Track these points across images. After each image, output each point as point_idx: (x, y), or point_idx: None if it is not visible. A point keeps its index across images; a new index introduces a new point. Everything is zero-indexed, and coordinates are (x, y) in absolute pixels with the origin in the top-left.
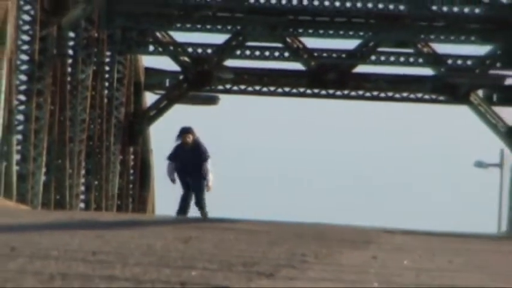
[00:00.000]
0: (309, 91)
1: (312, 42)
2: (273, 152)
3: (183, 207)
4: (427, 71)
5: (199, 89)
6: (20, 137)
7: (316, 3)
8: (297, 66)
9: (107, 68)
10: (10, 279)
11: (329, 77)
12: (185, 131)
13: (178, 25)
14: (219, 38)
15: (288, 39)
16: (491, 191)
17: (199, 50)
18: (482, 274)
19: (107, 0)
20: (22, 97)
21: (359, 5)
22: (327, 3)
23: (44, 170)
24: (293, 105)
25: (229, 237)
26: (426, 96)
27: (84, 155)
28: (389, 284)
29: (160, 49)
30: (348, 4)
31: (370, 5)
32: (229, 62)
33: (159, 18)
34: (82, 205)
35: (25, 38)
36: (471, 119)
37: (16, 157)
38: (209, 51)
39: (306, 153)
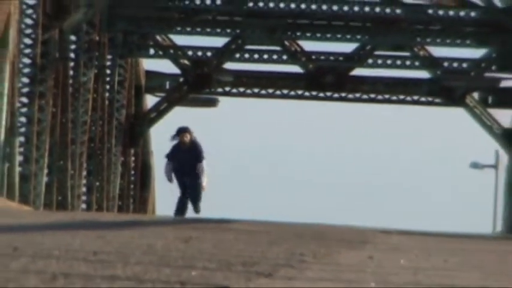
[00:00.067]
0: (307, 93)
1: (309, 45)
2: (271, 154)
3: (181, 208)
4: (424, 74)
5: (199, 92)
6: (22, 138)
7: (314, 7)
8: (295, 69)
9: (108, 71)
10: (13, 279)
11: (327, 80)
12: (182, 131)
13: (179, 29)
14: (218, 41)
15: (286, 43)
16: (487, 192)
17: (199, 53)
18: (478, 273)
19: (108, 5)
20: (24, 99)
21: (356, 8)
22: (324, 7)
23: (46, 171)
24: (291, 107)
25: (229, 238)
26: (423, 99)
27: (85, 157)
28: (386, 283)
29: (160, 52)
30: (346, 8)
31: (367, 9)
32: (229, 65)
33: (159, 22)
34: (84, 206)
35: (27, 41)
36: (467, 121)
37: (19, 158)
38: (209, 54)
39: (304, 155)
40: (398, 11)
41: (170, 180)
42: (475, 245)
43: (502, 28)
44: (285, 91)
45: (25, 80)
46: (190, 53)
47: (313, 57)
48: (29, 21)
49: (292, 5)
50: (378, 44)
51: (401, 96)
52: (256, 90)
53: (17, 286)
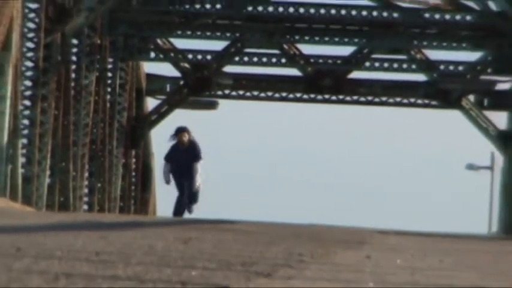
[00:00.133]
0: (305, 96)
1: (308, 49)
2: (270, 155)
3: (179, 210)
4: (420, 77)
5: (199, 94)
6: (25, 140)
7: (312, 11)
8: (294, 72)
9: (110, 74)
10: (16, 279)
11: (325, 83)
12: (181, 130)
13: (179, 32)
14: (218, 45)
15: (285, 46)
16: (482, 193)
17: (199, 57)
18: (473, 273)
19: (109, 9)
20: (27, 102)
21: (354, 12)
22: (322, 11)
23: (48, 172)
24: (290, 109)
25: (228, 238)
26: (419, 101)
27: (87, 158)
28: (384, 283)
29: (161, 56)
30: (343, 12)
31: (364, 13)
32: (228, 68)
33: (160, 25)
34: (85, 207)
35: (30, 45)
36: (463, 123)
37: (21, 160)
38: (209, 57)
39: (302, 156)
40: (395, 15)
41: (168, 182)
42: (471, 245)
43: (497, 32)
44: (284, 94)
45: (28, 83)
46: (190, 56)
47: (312, 60)
48: (31, 25)
49: (291, 9)
50: (375, 47)
51: (398, 99)
52: (255, 93)
53: (20, 286)
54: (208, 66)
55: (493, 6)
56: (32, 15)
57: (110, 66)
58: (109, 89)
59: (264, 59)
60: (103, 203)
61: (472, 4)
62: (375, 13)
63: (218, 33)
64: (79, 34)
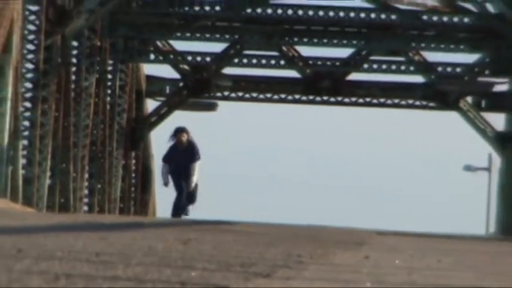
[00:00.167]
0: (304, 98)
1: (306, 51)
2: (269, 157)
3: (177, 211)
4: (418, 79)
5: (199, 96)
6: (25, 142)
7: (310, 13)
8: (293, 73)
9: (110, 76)
10: (17, 279)
11: (323, 84)
12: (180, 130)
13: (178, 34)
14: (217, 47)
15: (284, 48)
16: (480, 194)
17: (199, 58)
18: (471, 273)
19: (109, 11)
20: (28, 104)
21: (352, 15)
22: (321, 13)
23: (48, 174)
24: (289, 111)
25: (228, 239)
26: (417, 103)
27: (87, 160)
28: (382, 283)
29: (160, 57)
30: (342, 14)
31: (362, 15)
32: (228, 70)
33: (159, 27)
34: (85, 208)
35: (30, 47)
36: (460, 125)
37: (22, 161)
38: (208, 59)
39: (301, 158)
40: (393, 17)
41: (166, 184)
42: (469, 246)
43: (494, 34)
44: (283, 95)
45: (28, 85)
46: (189, 58)
47: (310, 62)
48: (31, 27)
49: (290, 12)
50: (374, 49)
51: (397, 100)
52: (254, 94)
53: (20, 286)
54: (208, 68)
55: (490, 8)
56: (32, 17)
57: (110, 68)
58: (109, 91)
59: (263, 61)
60: (103, 204)
61: (469, 6)
62: (373, 15)
63: (217, 35)
64: (79, 36)
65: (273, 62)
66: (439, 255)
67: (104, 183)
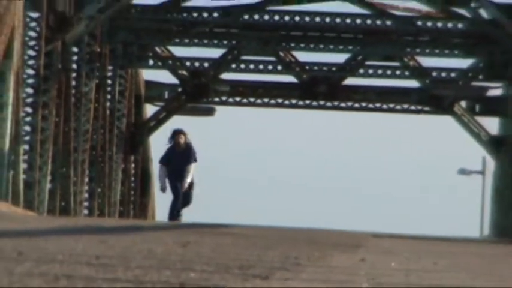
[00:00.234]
0: (301, 102)
1: (303, 56)
2: (267, 161)
3: (174, 214)
4: (413, 83)
5: (197, 101)
6: (26, 147)
7: (307, 19)
8: (290, 78)
9: (109, 82)
10: (17, 281)
11: (320, 89)
12: (178, 132)
13: (177, 40)
14: (215, 53)
15: (281, 53)
16: (474, 197)
17: (197, 64)
18: (466, 275)
19: (109, 17)
20: (28, 109)
21: (348, 21)
22: (317, 19)
23: (49, 178)
24: (286, 116)
25: (226, 242)
26: (412, 107)
27: (87, 164)
28: (378, 284)
29: (159, 63)
30: (338, 20)
31: (358, 21)
32: (225, 75)
33: (158, 34)
34: (86, 211)
35: (31, 53)
36: (455, 129)
37: (23, 166)
38: (206, 65)
39: (298, 161)
40: (388, 23)
41: (163, 189)
42: (464, 248)
43: (488, 39)
44: (280, 100)
45: (29, 90)
46: (188, 63)
47: (307, 67)
48: (32, 33)
49: (286, 18)
50: (369, 54)
51: (392, 105)
52: (252, 99)
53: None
54: (206, 73)
55: (484, 14)
56: (33, 24)
57: (109, 73)
58: (109, 96)
59: (260, 66)
60: (103, 207)
61: (463, 12)
62: (368, 21)
63: (215, 41)
64: (79, 42)
65: (270, 67)
66: (435, 257)
67: (103, 187)
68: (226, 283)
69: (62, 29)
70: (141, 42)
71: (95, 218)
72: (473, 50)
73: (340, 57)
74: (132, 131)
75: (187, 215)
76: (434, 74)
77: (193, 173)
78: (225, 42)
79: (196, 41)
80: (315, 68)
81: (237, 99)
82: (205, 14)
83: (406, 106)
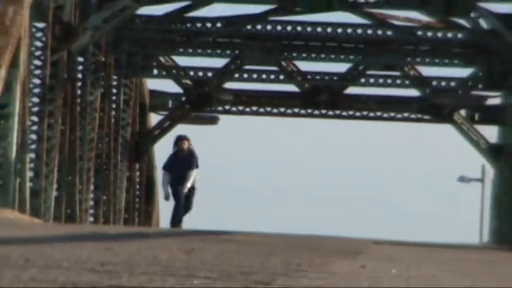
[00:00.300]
0: (303, 111)
1: (305, 66)
2: (269, 169)
3: (176, 220)
4: (413, 92)
5: (201, 110)
6: (32, 155)
7: (309, 29)
8: (292, 88)
9: (114, 91)
10: None
11: (321, 98)
12: (181, 138)
13: (181, 50)
14: (218, 62)
15: (283, 63)
16: (474, 204)
17: (200, 74)
18: (466, 281)
19: (113, 27)
20: (35, 118)
21: (349, 31)
22: (319, 29)
23: (55, 186)
24: (288, 124)
25: (230, 248)
26: (412, 116)
27: (93, 172)
28: None
29: (163, 73)
30: (339, 30)
31: (359, 31)
32: (229, 85)
33: (162, 43)
34: (91, 219)
35: (37, 63)
36: (455, 137)
37: (29, 174)
38: (209, 74)
39: (300, 169)
40: (389, 32)
41: (167, 197)
42: (464, 255)
43: (487, 49)
44: (282, 109)
45: (35, 99)
46: (192, 73)
47: (309, 76)
48: (38, 43)
49: (289, 28)
50: (370, 64)
51: (392, 114)
52: (254, 108)
53: None
54: (209, 82)
55: (483, 24)
56: (39, 34)
57: (114, 83)
58: (113, 105)
59: (263, 76)
60: (108, 215)
61: (463, 22)
62: (369, 31)
63: (218, 51)
64: (84, 52)
65: (272, 76)
66: (435, 263)
67: (109, 194)
68: None
69: (68, 39)
70: (145, 52)
71: (100, 225)
72: (473, 59)
73: (341, 67)
74: (136, 139)
75: (192, 222)
76: (434, 83)
77: (195, 179)
78: (228, 52)
79: (199, 50)
80: (317, 77)
81: (240, 108)
82: (208, 24)
83: (406, 115)
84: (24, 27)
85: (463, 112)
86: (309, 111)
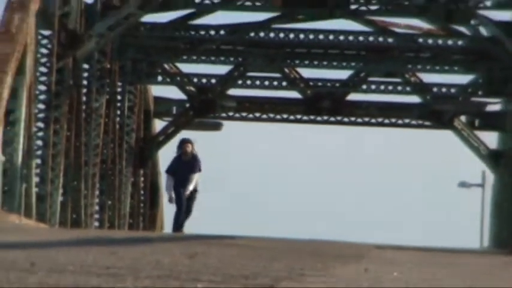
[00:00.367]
0: (305, 117)
1: (307, 73)
2: (272, 174)
3: (177, 225)
4: (414, 99)
5: (204, 116)
6: (38, 161)
7: (311, 36)
8: (294, 94)
9: (119, 97)
10: None
11: (324, 105)
12: (185, 141)
13: (185, 57)
14: (222, 69)
15: (286, 70)
16: (474, 209)
17: (204, 80)
18: (465, 283)
19: (118, 35)
20: (40, 124)
21: (351, 38)
22: (321, 36)
23: (61, 191)
24: (291, 130)
25: (233, 253)
26: (413, 122)
27: (98, 177)
28: None
29: (168, 79)
30: (341, 37)
31: (361, 38)
32: (232, 91)
33: (167, 51)
34: (96, 223)
35: (43, 69)
36: (455, 143)
37: (35, 179)
38: (213, 81)
39: (302, 174)
40: (390, 40)
41: (171, 200)
42: (464, 259)
43: (487, 56)
44: (285, 115)
45: (41, 106)
46: (195, 80)
47: (311, 83)
48: (44, 50)
49: (291, 35)
50: (372, 70)
51: (394, 120)
52: (257, 114)
53: None
54: (213, 89)
55: (483, 31)
56: (45, 41)
57: (119, 89)
58: (118, 112)
59: (266, 83)
60: (113, 219)
61: (463, 30)
62: (371, 38)
63: (222, 58)
64: (90, 59)
65: (275, 83)
66: (436, 267)
67: (113, 199)
68: None
69: (73, 46)
70: (150, 59)
71: (105, 230)
72: (473, 66)
73: (343, 74)
74: (141, 145)
75: (195, 227)
76: (434, 89)
77: (198, 182)
78: (231, 59)
79: (203, 58)
80: (319, 84)
81: (243, 114)
82: (212, 32)
83: (407, 121)
84: (30, 35)
85: (463, 118)
86: (312, 117)
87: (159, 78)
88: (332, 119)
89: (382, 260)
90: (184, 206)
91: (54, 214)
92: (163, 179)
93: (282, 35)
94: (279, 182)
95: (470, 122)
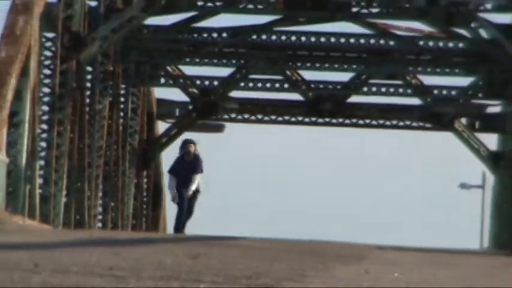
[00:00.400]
0: (307, 119)
1: (309, 75)
2: (274, 175)
3: (179, 226)
4: (415, 101)
5: (207, 118)
6: (42, 162)
7: (313, 39)
8: (296, 96)
9: (122, 99)
10: None
11: (325, 107)
12: (188, 142)
13: (188, 60)
14: (224, 71)
15: (288, 72)
16: (475, 210)
17: (207, 82)
18: (465, 283)
19: (122, 37)
20: (44, 126)
21: (352, 40)
22: (323, 39)
23: (64, 192)
24: (292, 132)
25: (235, 254)
26: (414, 124)
27: (101, 179)
28: None
29: (171, 81)
30: (342, 40)
31: (362, 41)
32: (234, 93)
33: (169, 53)
34: (100, 224)
35: (47, 72)
36: (455, 145)
37: (39, 181)
38: (215, 83)
39: (304, 175)
40: (391, 42)
41: (174, 199)
42: (464, 260)
43: (488, 58)
44: (287, 117)
45: (45, 107)
46: (198, 82)
47: (313, 85)
48: (48, 53)
49: (293, 38)
50: (373, 73)
51: (395, 122)
52: (259, 116)
53: None
54: (215, 91)
55: (484, 34)
56: (48, 43)
57: (122, 91)
58: (122, 114)
59: (268, 85)
60: (116, 221)
61: (464, 32)
62: (372, 41)
63: (224, 61)
64: (93, 61)
65: (277, 85)
66: (436, 268)
67: (117, 201)
68: None
69: (77, 48)
70: (153, 61)
71: (108, 231)
72: (474, 68)
73: (344, 76)
74: (144, 147)
75: (197, 227)
76: (435, 91)
77: (200, 182)
78: (233, 61)
79: (206, 60)
80: (321, 86)
81: (246, 116)
82: (214, 35)
83: (408, 123)
84: (34, 37)
85: (463, 120)
86: (313, 119)
87: (162, 80)
88: (333, 121)
89: (383, 261)
90: (186, 207)
91: (57, 215)
92: (166, 180)
93: (283, 37)
94: (280, 183)
95: (471, 124)
